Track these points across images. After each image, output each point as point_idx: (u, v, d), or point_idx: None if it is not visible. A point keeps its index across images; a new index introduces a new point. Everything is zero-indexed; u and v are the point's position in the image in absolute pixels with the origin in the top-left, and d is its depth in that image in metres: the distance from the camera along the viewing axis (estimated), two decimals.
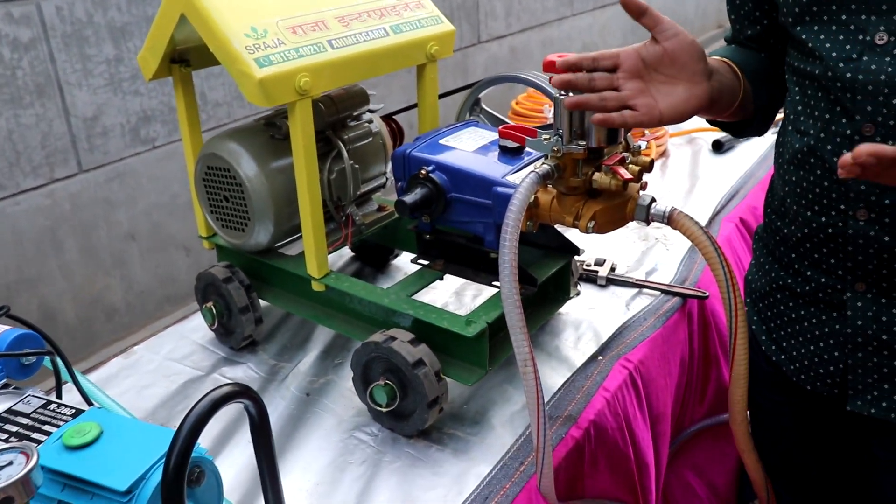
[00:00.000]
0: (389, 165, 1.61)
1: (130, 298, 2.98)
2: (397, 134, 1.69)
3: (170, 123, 2.96)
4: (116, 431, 0.91)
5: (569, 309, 1.63)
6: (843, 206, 1.10)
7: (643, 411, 1.46)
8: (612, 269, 1.76)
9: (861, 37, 1.03)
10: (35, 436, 0.92)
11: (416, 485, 1.23)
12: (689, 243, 1.81)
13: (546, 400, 1.36)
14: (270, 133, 1.48)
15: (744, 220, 2.05)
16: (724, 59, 1.24)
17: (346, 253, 1.90)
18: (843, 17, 1.04)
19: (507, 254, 1.07)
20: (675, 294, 1.68)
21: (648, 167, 1.20)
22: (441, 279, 1.52)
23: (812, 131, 1.11)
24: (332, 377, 1.49)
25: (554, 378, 1.44)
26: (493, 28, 4.59)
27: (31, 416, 0.96)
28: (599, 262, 1.77)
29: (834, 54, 1.05)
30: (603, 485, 1.37)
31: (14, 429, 0.94)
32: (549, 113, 2.40)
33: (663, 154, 2.49)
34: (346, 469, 1.27)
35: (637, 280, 1.73)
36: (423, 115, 1.61)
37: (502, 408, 1.38)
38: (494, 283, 1.39)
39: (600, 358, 1.48)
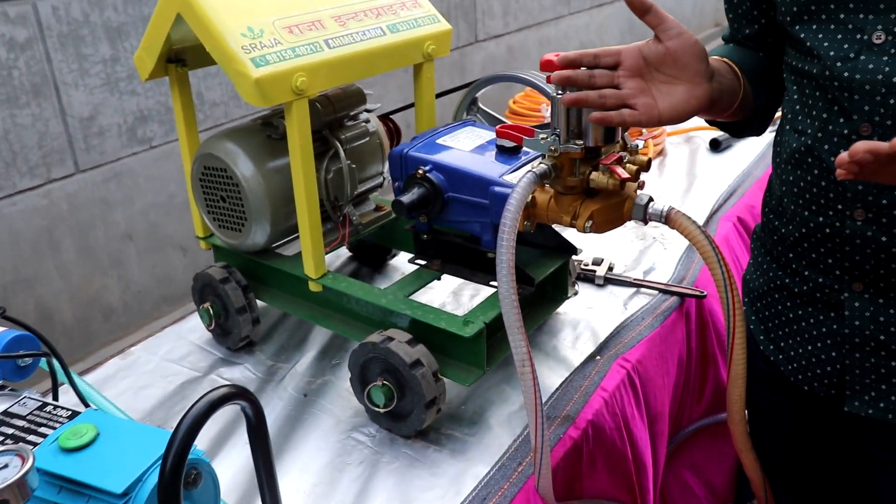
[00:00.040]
0: (386, 165, 1.61)
1: (127, 298, 2.98)
2: (394, 133, 1.69)
3: (167, 123, 2.95)
4: (113, 433, 0.90)
5: (566, 308, 1.63)
6: (840, 206, 1.09)
7: (641, 411, 1.46)
8: (610, 269, 1.76)
9: (859, 36, 1.02)
10: (31, 438, 0.92)
11: (414, 485, 1.23)
12: (686, 242, 1.81)
13: (544, 400, 1.35)
14: (267, 133, 1.48)
15: (741, 219, 2.05)
16: (725, 60, 1.24)
17: (344, 253, 1.90)
18: (841, 16, 1.04)
19: (505, 254, 1.07)
20: (672, 293, 1.68)
21: (646, 166, 1.20)
22: (438, 279, 1.52)
23: (810, 131, 1.11)
24: (330, 378, 1.49)
25: (552, 378, 1.43)
26: (490, 27, 4.59)
27: (27, 418, 0.96)
28: (597, 262, 1.77)
29: (832, 53, 1.05)
30: (601, 485, 1.37)
31: (10, 431, 0.93)
32: (546, 112, 2.40)
33: (661, 153, 2.49)
34: (344, 470, 1.27)
35: (635, 279, 1.73)
36: (420, 114, 1.60)
37: (500, 408, 1.38)
38: (492, 282, 1.39)
39: (598, 358, 1.47)
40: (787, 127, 1.18)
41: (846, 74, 1.03)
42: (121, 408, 1.28)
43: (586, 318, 1.61)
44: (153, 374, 1.54)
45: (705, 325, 1.71)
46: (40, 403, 0.98)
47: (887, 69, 1.00)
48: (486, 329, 1.29)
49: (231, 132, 1.48)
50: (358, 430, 1.35)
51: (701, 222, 1.96)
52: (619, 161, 1.16)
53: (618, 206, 1.19)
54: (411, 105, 1.67)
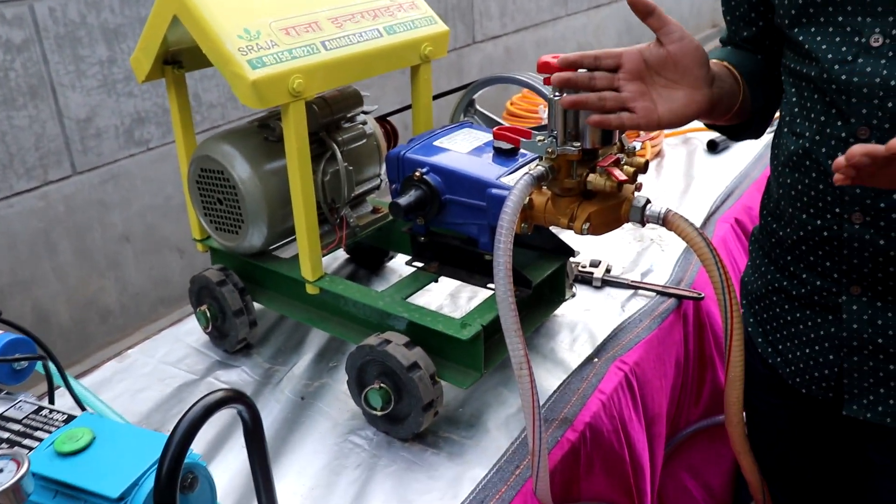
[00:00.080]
0: (384, 167, 1.60)
1: (125, 300, 2.98)
2: (391, 135, 1.69)
3: (164, 125, 2.95)
4: (109, 437, 0.90)
5: (564, 311, 1.63)
6: (838, 210, 1.09)
7: (638, 413, 1.46)
8: (608, 271, 1.76)
9: (857, 39, 1.02)
10: (27, 442, 0.91)
11: (412, 489, 1.23)
12: (684, 244, 1.80)
13: (541, 402, 1.35)
14: (264, 135, 1.47)
15: (739, 220, 2.05)
16: (724, 63, 1.23)
17: (341, 255, 1.90)
18: (840, 18, 1.04)
19: (502, 256, 1.06)
20: (670, 295, 1.68)
21: (643, 168, 1.20)
22: (436, 281, 1.52)
23: (807, 133, 1.11)
24: (327, 380, 1.49)
25: (549, 380, 1.43)
26: (487, 28, 4.59)
27: (23, 422, 0.95)
28: (595, 264, 1.77)
29: (829, 56, 1.05)
30: (598, 487, 1.36)
31: (5, 435, 0.93)
32: (543, 114, 2.40)
33: (658, 154, 2.49)
34: (342, 473, 1.27)
35: (632, 281, 1.73)
36: (418, 116, 1.60)
37: (497, 411, 1.38)
38: (489, 285, 1.39)
39: (596, 360, 1.47)
40: (785, 129, 1.17)
41: (844, 77, 1.03)
42: (117, 411, 1.28)
43: (584, 321, 1.61)
44: (150, 376, 1.54)
45: (703, 327, 1.71)
46: (36, 407, 0.98)
47: (885, 72, 0.99)
48: (484, 331, 1.29)
49: (228, 134, 1.48)
50: (355, 433, 1.35)
51: (698, 224, 1.96)
52: (617, 163, 1.16)
53: (615, 209, 1.19)
54: (408, 107, 1.66)
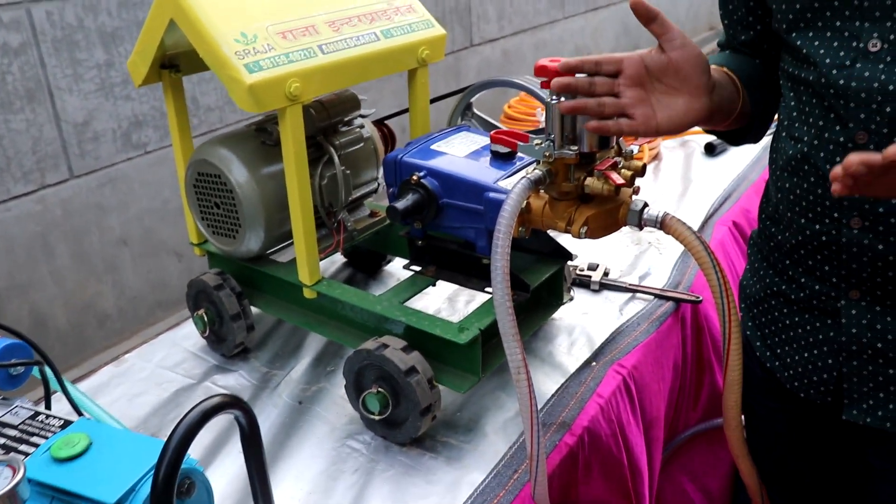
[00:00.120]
0: (381, 171, 1.60)
1: (122, 304, 2.97)
2: (389, 139, 1.69)
3: (161, 128, 2.95)
4: (105, 443, 0.90)
5: (562, 314, 1.62)
6: (836, 214, 1.09)
7: (636, 417, 1.45)
8: (606, 274, 1.76)
9: (855, 43, 1.02)
10: (23, 448, 0.91)
11: (410, 493, 1.23)
12: (682, 247, 1.81)
13: (539, 407, 1.35)
14: (261, 139, 1.47)
15: (737, 223, 2.05)
16: (724, 69, 1.23)
17: (339, 259, 1.90)
18: (837, 23, 1.04)
19: (499, 260, 1.06)
20: (668, 298, 1.68)
21: (641, 172, 1.20)
22: (433, 285, 1.51)
23: (806, 138, 1.11)
24: (325, 385, 1.49)
25: (547, 384, 1.43)
26: (485, 31, 4.59)
27: (19, 427, 0.95)
28: (592, 267, 1.77)
29: (828, 61, 1.04)
30: (596, 491, 1.36)
31: (1, 441, 0.93)
32: (541, 117, 2.40)
33: (656, 157, 2.49)
34: (339, 478, 1.27)
35: (630, 285, 1.73)
36: (415, 119, 1.60)
37: (495, 415, 1.37)
38: (487, 288, 1.39)
39: (594, 364, 1.47)
40: (784, 133, 1.17)
41: (842, 82, 1.03)
42: (114, 416, 1.28)
43: (582, 324, 1.60)
44: (147, 381, 1.54)
45: (701, 330, 1.71)
46: (32, 412, 0.98)
47: (883, 77, 0.99)
48: (482, 335, 1.29)
49: (225, 138, 1.48)
50: (353, 438, 1.35)
51: (696, 227, 1.96)
52: (614, 166, 1.16)
53: (613, 212, 1.19)
54: (406, 110, 1.66)
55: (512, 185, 1.12)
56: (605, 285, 1.74)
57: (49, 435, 0.93)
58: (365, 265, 1.86)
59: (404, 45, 1.48)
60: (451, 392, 1.35)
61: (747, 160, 2.40)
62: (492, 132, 1.30)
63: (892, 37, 0.99)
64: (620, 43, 6.01)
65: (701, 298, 1.68)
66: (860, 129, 1.02)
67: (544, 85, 1.13)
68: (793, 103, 1.14)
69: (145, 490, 0.83)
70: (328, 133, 1.52)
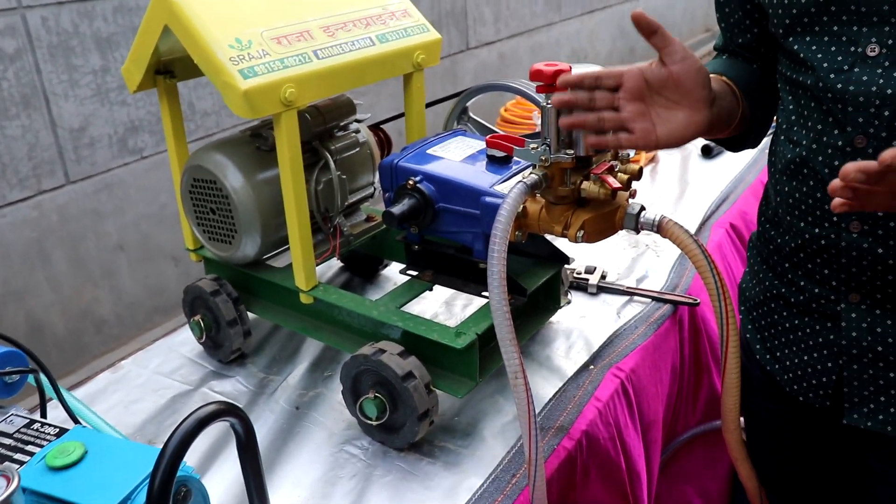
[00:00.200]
0: (377, 175, 1.60)
1: (119, 310, 2.97)
2: (385, 143, 1.68)
3: (157, 134, 2.95)
4: (101, 451, 0.90)
5: (560, 318, 1.62)
6: (835, 218, 1.09)
7: (634, 420, 1.45)
8: (603, 277, 1.76)
9: (853, 48, 1.02)
10: (18, 456, 0.91)
11: (408, 499, 1.22)
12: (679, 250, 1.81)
13: (538, 410, 1.35)
14: (256, 144, 1.47)
15: (734, 225, 2.05)
16: (723, 79, 1.22)
17: (335, 264, 1.89)
18: (835, 28, 1.03)
19: (496, 265, 1.06)
20: (666, 301, 1.68)
21: (637, 175, 1.19)
22: (430, 290, 1.51)
23: (804, 142, 1.10)
24: (322, 390, 1.48)
25: (545, 388, 1.43)
26: (481, 34, 4.59)
27: (14, 436, 0.95)
28: (590, 270, 1.77)
29: (825, 65, 1.04)
30: (595, 495, 1.36)
31: None
32: (537, 120, 2.39)
33: (653, 159, 2.49)
34: (337, 483, 1.26)
35: (628, 288, 1.72)
36: (411, 124, 1.60)
37: (493, 419, 1.37)
38: (484, 293, 1.38)
39: (592, 367, 1.47)
40: (782, 137, 1.17)
41: (840, 86, 1.02)
42: (111, 423, 1.27)
43: (579, 328, 1.60)
44: (144, 387, 1.53)
45: (698, 332, 1.71)
46: (27, 421, 0.97)
47: (881, 81, 0.99)
48: (479, 340, 1.28)
49: (220, 144, 1.47)
50: (350, 443, 1.34)
51: (693, 229, 1.96)
52: (611, 170, 1.16)
53: (609, 216, 1.19)
54: (402, 114, 1.66)
55: (508, 189, 1.12)
56: (602, 288, 1.73)
57: (44, 443, 0.92)
58: (362, 270, 1.86)
59: (399, 50, 1.48)
60: (448, 397, 1.35)
61: (744, 162, 2.40)
62: (488, 136, 1.30)
63: (890, 41, 0.99)
64: (616, 45, 6.02)
65: (698, 301, 1.68)
66: (858, 133, 1.02)
67: (540, 89, 1.13)
68: (791, 107, 1.14)
69: (141, 499, 0.82)
70: (324, 138, 1.51)
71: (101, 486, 0.84)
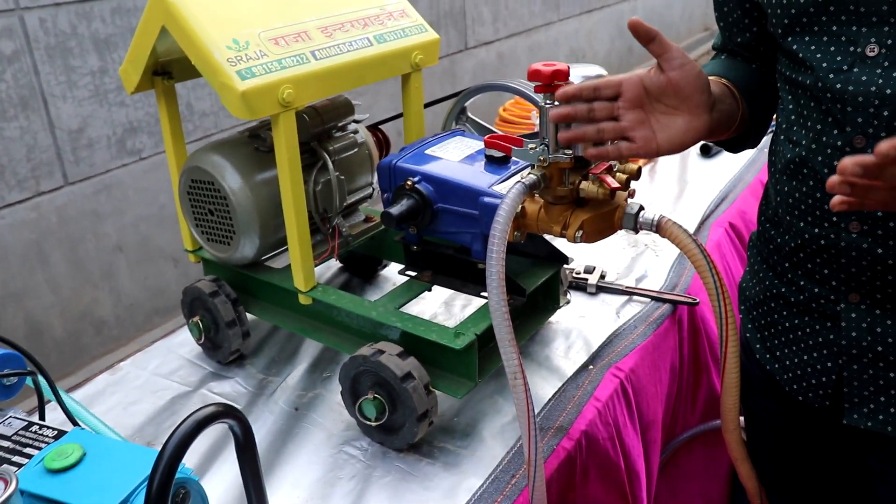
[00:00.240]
0: (376, 176, 1.60)
1: (119, 311, 2.97)
2: (383, 144, 1.68)
3: (156, 134, 2.94)
4: (100, 453, 0.90)
5: (559, 318, 1.62)
6: (835, 218, 1.09)
7: (633, 420, 1.45)
8: (602, 277, 1.76)
9: (852, 48, 1.02)
10: (16, 459, 0.91)
11: (407, 499, 1.22)
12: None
13: (537, 411, 1.34)
14: (255, 145, 1.47)
15: (733, 224, 2.05)
16: (723, 81, 1.22)
17: (334, 264, 1.89)
18: (834, 28, 1.03)
19: (495, 265, 1.06)
20: (665, 301, 1.68)
21: (636, 175, 1.19)
22: (429, 290, 1.51)
23: (804, 142, 1.10)
24: (321, 391, 1.48)
25: (545, 388, 1.42)
26: (480, 34, 4.59)
27: (12, 438, 0.95)
28: (589, 270, 1.77)
29: (824, 65, 1.04)
30: (594, 495, 1.36)
31: None
32: (536, 120, 2.39)
33: (652, 159, 2.48)
34: (336, 485, 1.26)
35: (627, 287, 1.72)
36: (409, 124, 1.60)
37: (493, 419, 1.37)
38: (483, 293, 1.38)
39: (591, 367, 1.47)
40: (782, 137, 1.17)
41: (839, 86, 1.02)
42: (110, 424, 1.27)
43: (579, 327, 1.60)
44: (143, 389, 1.53)
45: (697, 332, 1.71)
46: (26, 423, 0.97)
47: (880, 81, 0.99)
48: (478, 340, 1.28)
49: (218, 145, 1.47)
50: (350, 444, 1.34)
51: (692, 229, 1.96)
52: (609, 170, 1.16)
53: (608, 216, 1.18)
54: (400, 115, 1.66)
55: (507, 189, 1.12)
56: (601, 288, 1.73)
57: (42, 446, 0.92)
58: (360, 270, 1.86)
59: (397, 50, 1.48)
60: (447, 397, 1.35)
61: (743, 161, 2.40)
62: (486, 137, 1.30)
63: (889, 41, 0.99)
64: (615, 45, 6.02)
65: (698, 300, 1.68)
66: (858, 133, 1.02)
67: (538, 89, 1.13)
68: (791, 106, 1.14)
69: (139, 501, 0.82)
70: (322, 139, 1.51)
71: (99, 488, 0.84)
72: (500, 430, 1.35)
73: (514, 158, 1.32)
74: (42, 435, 0.95)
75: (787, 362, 1.25)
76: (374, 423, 1.27)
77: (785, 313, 1.24)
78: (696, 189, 2.24)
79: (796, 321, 1.22)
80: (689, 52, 1.10)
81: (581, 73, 2.24)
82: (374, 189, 1.62)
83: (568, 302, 1.58)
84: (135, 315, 3.02)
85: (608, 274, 1.79)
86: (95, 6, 2.70)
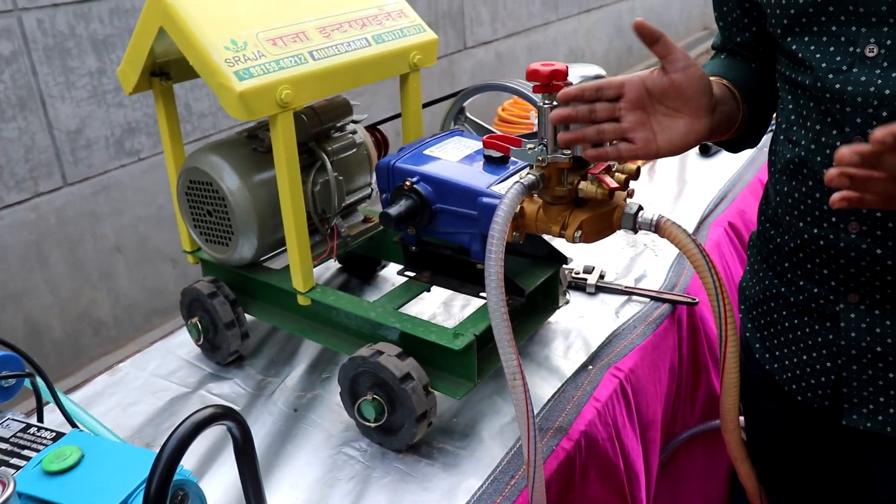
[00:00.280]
0: (374, 176, 1.60)
1: (118, 312, 2.97)
2: (382, 144, 1.68)
3: (154, 135, 2.94)
4: (98, 455, 0.90)
5: (558, 318, 1.62)
6: (834, 219, 1.09)
7: (633, 420, 1.45)
8: (601, 277, 1.75)
9: (851, 48, 1.01)
10: (14, 461, 0.91)
11: (406, 500, 1.22)
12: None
13: (536, 411, 1.34)
14: (253, 146, 1.46)
15: (732, 224, 2.05)
16: (724, 82, 1.22)
17: (333, 265, 1.89)
18: (833, 28, 1.03)
19: (493, 266, 1.06)
20: (664, 301, 1.68)
21: (635, 175, 1.19)
22: (428, 291, 1.51)
23: (803, 142, 1.10)
24: (320, 392, 1.48)
25: (544, 389, 1.42)
26: (478, 34, 4.59)
27: (10, 440, 0.94)
28: (588, 270, 1.76)
29: (824, 65, 1.04)
30: (594, 496, 1.36)
31: None
32: (535, 120, 2.39)
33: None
34: (335, 486, 1.26)
35: (626, 287, 1.72)
36: (407, 124, 1.60)
37: (492, 420, 1.37)
38: (482, 294, 1.38)
39: (590, 367, 1.46)
40: (782, 137, 1.17)
41: (838, 87, 1.02)
42: (108, 426, 1.27)
43: (578, 328, 1.60)
44: (142, 390, 1.53)
45: (697, 332, 1.71)
46: (24, 425, 0.97)
47: (880, 82, 0.99)
48: (477, 341, 1.28)
49: (216, 145, 1.47)
50: (349, 445, 1.34)
51: (692, 228, 1.96)
52: (608, 170, 1.16)
53: (607, 216, 1.18)
54: (399, 115, 1.66)
55: (505, 189, 1.12)
56: (600, 288, 1.73)
57: (41, 448, 0.92)
58: (359, 271, 1.86)
59: (396, 51, 1.47)
60: (447, 398, 1.35)
61: (742, 161, 2.40)
62: (484, 137, 1.29)
63: (888, 42, 0.98)
64: (613, 44, 6.02)
65: (697, 300, 1.68)
66: (857, 134, 1.02)
67: (537, 89, 1.13)
68: (790, 106, 1.14)
69: (138, 503, 0.82)
70: (320, 139, 1.51)
71: (97, 490, 0.84)
72: (499, 430, 1.34)
73: (512, 158, 1.32)
74: (40, 437, 0.95)
75: (787, 362, 1.25)
76: (373, 424, 1.27)
77: (784, 313, 1.24)
78: (695, 189, 2.24)
79: (796, 321, 1.22)
80: (687, 51, 1.09)
81: (580, 73, 2.24)
82: (372, 189, 1.62)
83: (567, 302, 1.58)
84: (133, 316, 3.02)
85: (607, 274, 1.79)
86: (93, 7, 2.70)
